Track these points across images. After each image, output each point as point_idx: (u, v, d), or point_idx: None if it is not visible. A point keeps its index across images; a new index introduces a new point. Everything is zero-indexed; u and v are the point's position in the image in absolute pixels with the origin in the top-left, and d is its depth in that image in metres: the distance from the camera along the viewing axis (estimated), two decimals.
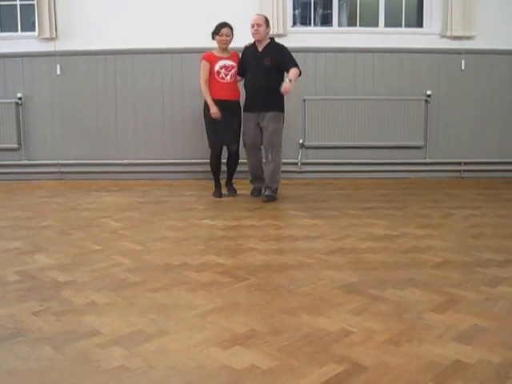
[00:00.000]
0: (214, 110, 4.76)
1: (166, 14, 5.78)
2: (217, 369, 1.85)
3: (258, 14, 4.94)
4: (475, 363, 1.86)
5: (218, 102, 4.79)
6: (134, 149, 6.01)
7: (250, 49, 4.94)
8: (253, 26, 4.78)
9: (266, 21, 4.85)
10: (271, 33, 5.04)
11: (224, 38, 4.80)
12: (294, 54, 5.02)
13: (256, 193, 5.08)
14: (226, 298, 2.51)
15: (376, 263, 3.04)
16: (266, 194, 4.87)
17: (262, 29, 4.78)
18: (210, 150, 5.00)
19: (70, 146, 6.01)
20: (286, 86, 4.59)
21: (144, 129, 5.99)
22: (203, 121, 5.00)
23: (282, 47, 4.85)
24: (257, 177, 5.09)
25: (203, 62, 4.84)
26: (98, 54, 5.85)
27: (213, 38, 4.91)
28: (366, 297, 2.51)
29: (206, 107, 4.87)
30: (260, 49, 4.86)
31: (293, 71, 4.67)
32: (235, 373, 1.82)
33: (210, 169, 5.08)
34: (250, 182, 5.16)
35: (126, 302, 2.47)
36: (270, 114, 4.82)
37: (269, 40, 4.89)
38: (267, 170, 4.89)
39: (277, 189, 4.94)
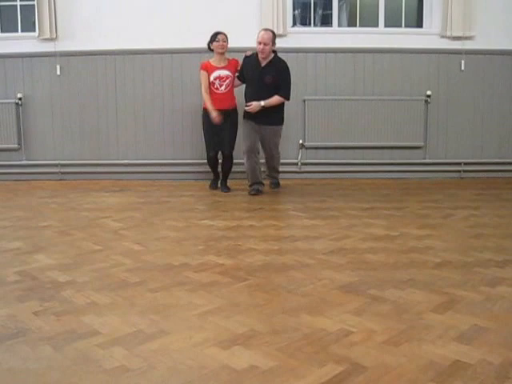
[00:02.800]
0: (214, 115, 4.88)
1: (166, 14, 5.78)
2: (217, 369, 1.85)
3: (266, 30, 4.86)
4: (475, 363, 1.86)
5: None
6: (134, 149, 6.01)
7: (252, 60, 4.91)
8: (259, 44, 4.76)
9: (273, 39, 4.82)
10: None
11: (221, 43, 4.89)
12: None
13: (254, 192, 5.07)
14: (225, 298, 2.51)
15: (376, 263, 3.04)
16: (272, 182, 5.40)
17: (268, 47, 4.78)
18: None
19: (70, 146, 6.00)
20: (255, 105, 4.80)
21: (144, 129, 5.99)
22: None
23: (284, 68, 4.85)
24: (255, 181, 5.11)
25: (201, 71, 4.96)
26: (98, 54, 5.84)
27: (209, 48, 4.97)
28: (366, 297, 2.51)
29: (205, 113, 5.04)
30: (262, 64, 4.85)
31: (276, 99, 4.83)
32: (235, 373, 1.82)
33: (209, 169, 5.40)
34: (249, 186, 5.14)
35: (126, 302, 2.47)
36: (271, 129, 4.94)
37: (272, 55, 4.86)
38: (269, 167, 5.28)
39: (278, 173, 5.44)
